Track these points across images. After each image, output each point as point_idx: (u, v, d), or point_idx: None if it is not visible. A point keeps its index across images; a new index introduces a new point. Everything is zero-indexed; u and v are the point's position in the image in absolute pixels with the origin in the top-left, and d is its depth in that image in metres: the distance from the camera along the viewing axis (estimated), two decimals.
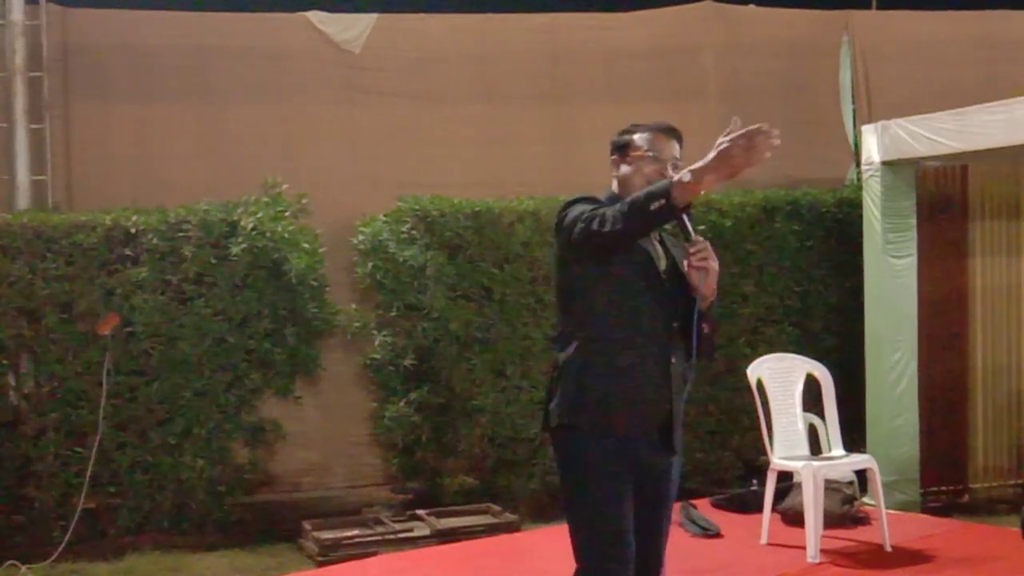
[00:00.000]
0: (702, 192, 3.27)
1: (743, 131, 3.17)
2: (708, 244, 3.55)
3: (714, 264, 3.52)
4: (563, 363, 3.63)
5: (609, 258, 3.54)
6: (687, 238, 3.54)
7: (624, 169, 3.73)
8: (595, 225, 3.41)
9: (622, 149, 3.76)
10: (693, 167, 3.25)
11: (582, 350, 3.58)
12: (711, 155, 3.21)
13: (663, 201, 3.26)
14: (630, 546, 3.55)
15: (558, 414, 3.61)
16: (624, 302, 3.57)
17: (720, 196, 8.00)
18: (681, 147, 3.72)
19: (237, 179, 7.61)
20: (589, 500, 3.57)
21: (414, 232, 7.44)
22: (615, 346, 3.55)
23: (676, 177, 3.29)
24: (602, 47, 8.89)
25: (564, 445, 3.64)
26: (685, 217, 3.46)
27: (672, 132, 3.72)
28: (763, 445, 6.40)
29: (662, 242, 3.75)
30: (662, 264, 3.67)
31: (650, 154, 3.67)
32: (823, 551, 6.07)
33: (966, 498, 7.58)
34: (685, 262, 3.58)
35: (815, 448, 6.59)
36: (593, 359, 3.56)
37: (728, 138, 3.19)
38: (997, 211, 7.66)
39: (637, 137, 3.73)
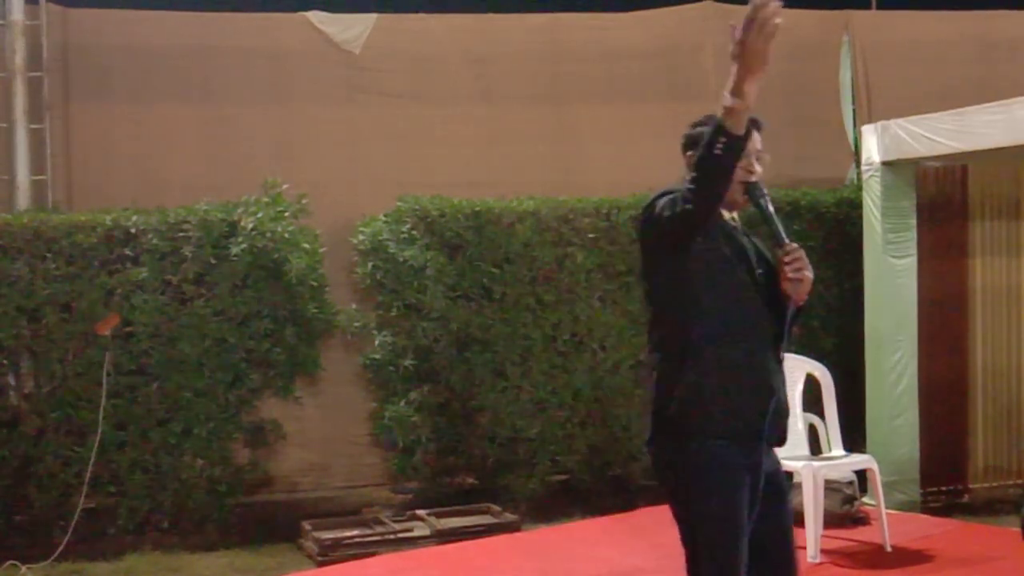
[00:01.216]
0: (751, 104, 3.11)
1: (744, 23, 3.03)
2: (803, 252, 3.46)
3: (809, 274, 3.44)
4: (672, 366, 3.46)
5: (707, 243, 3.42)
6: (779, 244, 3.47)
7: None
8: (680, 201, 3.28)
9: (698, 143, 3.49)
10: (727, 89, 3.12)
11: (697, 350, 3.42)
12: (733, 65, 3.08)
13: (723, 139, 3.14)
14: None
15: (681, 416, 3.43)
16: (731, 297, 3.47)
17: None
18: (761, 135, 3.56)
19: (237, 179, 7.62)
20: (722, 509, 3.42)
21: (414, 232, 7.44)
22: (731, 343, 3.44)
23: (721, 111, 3.14)
24: (602, 47, 8.90)
25: (688, 450, 3.44)
26: (776, 221, 3.45)
27: (753, 123, 3.47)
28: None
29: (748, 236, 3.65)
30: (752, 260, 3.58)
31: None
32: (823, 551, 6.06)
33: (966, 498, 7.58)
34: (779, 268, 3.48)
35: (815, 448, 6.58)
36: (712, 358, 3.42)
37: (736, 39, 3.05)
38: (997, 211, 7.65)
39: None
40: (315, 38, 8.44)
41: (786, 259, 3.46)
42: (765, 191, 3.53)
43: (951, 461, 7.57)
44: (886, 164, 7.23)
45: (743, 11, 3.05)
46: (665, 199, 3.40)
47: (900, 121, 7.07)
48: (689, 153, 3.60)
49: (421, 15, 8.79)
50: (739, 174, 3.39)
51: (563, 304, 7.62)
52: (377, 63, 8.52)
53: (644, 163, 8.64)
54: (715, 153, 3.16)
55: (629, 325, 7.71)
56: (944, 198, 7.59)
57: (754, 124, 3.47)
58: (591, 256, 7.67)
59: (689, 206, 3.26)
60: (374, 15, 8.56)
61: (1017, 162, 7.46)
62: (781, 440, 3.61)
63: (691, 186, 3.26)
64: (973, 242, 7.61)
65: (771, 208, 3.52)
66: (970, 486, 7.62)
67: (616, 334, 7.70)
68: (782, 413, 3.57)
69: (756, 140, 3.52)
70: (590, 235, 7.68)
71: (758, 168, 3.49)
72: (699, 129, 3.56)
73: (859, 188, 7.75)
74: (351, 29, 8.50)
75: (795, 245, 3.48)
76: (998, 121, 6.38)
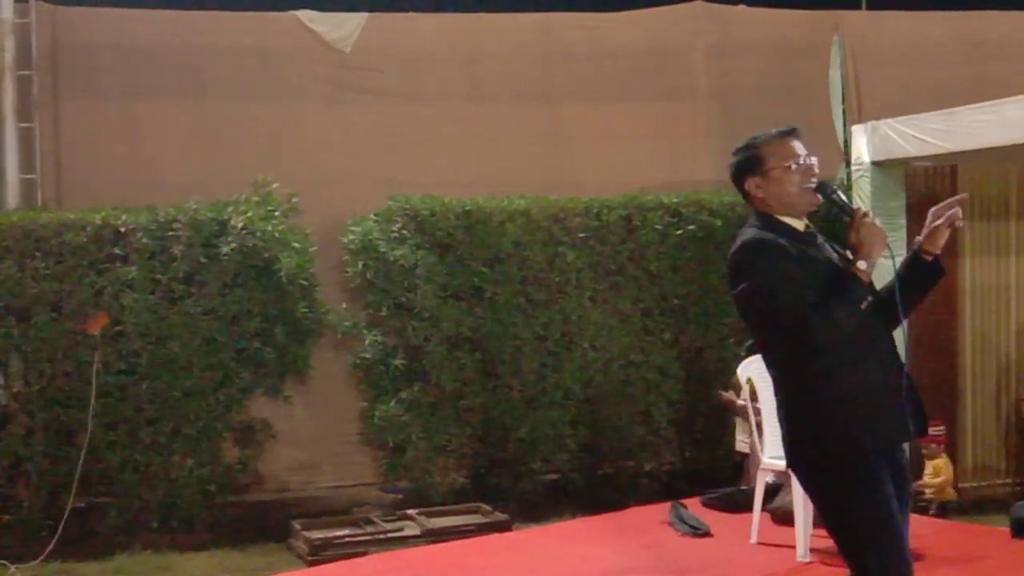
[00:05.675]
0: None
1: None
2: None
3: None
4: (804, 394, 3.58)
5: (804, 267, 3.71)
6: (851, 213, 3.73)
7: (767, 188, 3.71)
8: (802, 319, 3.52)
9: (754, 167, 3.70)
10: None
11: (825, 376, 3.54)
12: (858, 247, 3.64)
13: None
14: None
15: (823, 439, 3.55)
16: None
17: (710, 196, 8.00)
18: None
19: (227, 178, 7.60)
20: (881, 524, 3.56)
21: (404, 231, 7.44)
22: (854, 359, 3.55)
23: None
24: (593, 47, 8.90)
25: (842, 474, 3.56)
26: (847, 204, 3.72)
27: (792, 133, 3.72)
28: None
29: (826, 241, 3.82)
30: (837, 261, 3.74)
31: (792, 165, 3.66)
32: (812, 550, 6.07)
33: (955, 497, 7.58)
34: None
35: None
36: (848, 380, 3.53)
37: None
38: (986, 211, 7.67)
39: (768, 152, 3.68)
40: (305, 37, 8.43)
41: (861, 215, 3.69)
42: (835, 186, 3.77)
43: None
44: (876, 164, 7.24)
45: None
46: (753, 270, 3.70)
47: (890, 121, 7.09)
48: (752, 178, 3.75)
49: (412, 14, 8.79)
50: (802, 183, 3.67)
51: (554, 303, 7.62)
52: (368, 62, 8.51)
53: (635, 162, 8.68)
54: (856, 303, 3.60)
55: (619, 324, 7.72)
56: (934, 198, 7.54)
57: (793, 134, 3.70)
58: (582, 255, 7.67)
59: (812, 332, 3.49)
60: (365, 14, 8.55)
61: (1006, 162, 7.48)
62: (923, 430, 3.69)
63: (823, 315, 3.51)
64: (962, 242, 7.61)
65: (844, 198, 3.77)
66: (959, 485, 7.63)
67: (606, 333, 7.70)
68: (916, 403, 3.65)
69: (799, 147, 3.69)
70: (581, 234, 7.68)
71: (815, 168, 3.69)
72: (752, 152, 3.72)
73: (849, 188, 7.75)
74: (341, 28, 8.49)
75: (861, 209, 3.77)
76: (988, 121, 6.39)
